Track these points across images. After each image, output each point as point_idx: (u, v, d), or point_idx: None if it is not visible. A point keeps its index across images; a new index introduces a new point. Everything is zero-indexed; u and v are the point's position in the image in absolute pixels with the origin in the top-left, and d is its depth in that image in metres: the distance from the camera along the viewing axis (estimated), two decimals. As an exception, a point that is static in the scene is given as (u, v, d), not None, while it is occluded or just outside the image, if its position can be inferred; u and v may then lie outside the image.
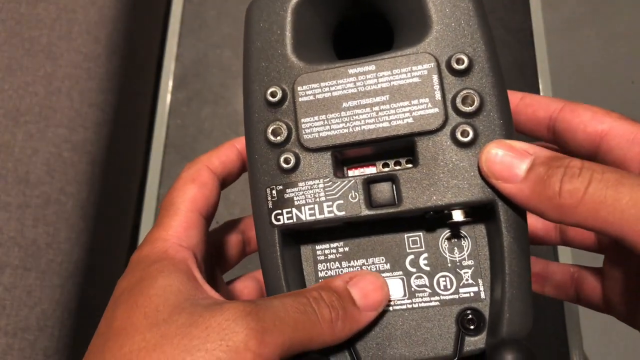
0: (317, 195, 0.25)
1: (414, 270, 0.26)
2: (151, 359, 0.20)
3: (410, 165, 0.26)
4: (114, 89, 0.53)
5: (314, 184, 0.25)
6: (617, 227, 0.20)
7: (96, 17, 0.52)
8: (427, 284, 0.26)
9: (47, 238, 0.45)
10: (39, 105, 0.48)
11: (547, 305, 0.55)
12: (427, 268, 0.26)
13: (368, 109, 0.25)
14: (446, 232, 0.26)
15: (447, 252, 0.26)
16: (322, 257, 0.26)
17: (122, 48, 0.55)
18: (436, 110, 0.24)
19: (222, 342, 0.20)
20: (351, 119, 0.25)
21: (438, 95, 0.24)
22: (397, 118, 0.25)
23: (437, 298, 0.25)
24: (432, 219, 0.26)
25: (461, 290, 0.25)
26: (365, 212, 0.25)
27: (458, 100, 0.24)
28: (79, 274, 0.47)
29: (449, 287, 0.25)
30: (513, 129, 0.25)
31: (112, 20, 0.53)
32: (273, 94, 0.26)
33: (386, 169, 0.26)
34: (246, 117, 0.27)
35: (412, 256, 0.26)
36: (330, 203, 0.25)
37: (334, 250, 0.26)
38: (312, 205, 0.25)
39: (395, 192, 0.25)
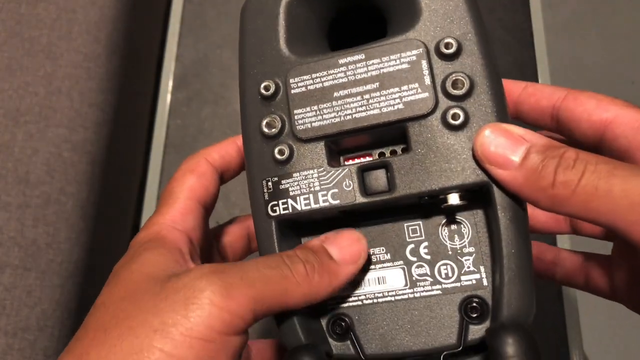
0: (311, 185, 0.25)
1: (414, 259, 0.26)
2: (123, 326, 0.21)
3: (401, 153, 0.26)
4: (114, 89, 0.53)
5: (309, 174, 0.25)
6: (609, 217, 0.20)
7: (96, 17, 0.52)
8: (429, 272, 0.25)
9: (47, 238, 0.45)
10: (39, 105, 0.48)
11: (547, 305, 0.55)
12: (428, 257, 0.26)
13: (359, 97, 0.25)
14: (445, 220, 0.26)
15: (447, 239, 0.26)
16: None
17: (122, 48, 0.55)
18: (426, 95, 0.24)
19: (188, 301, 0.21)
20: (342, 108, 0.25)
21: (427, 80, 0.24)
22: (387, 105, 0.25)
23: (438, 287, 0.25)
24: (428, 205, 0.25)
25: (463, 278, 0.25)
26: (360, 199, 0.25)
27: (448, 83, 0.24)
28: (79, 274, 0.47)
29: (450, 275, 0.25)
30: (506, 111, 0.24)
31: (112, 20, 0.53)
32: (266, 88, 0.26)
33: (381, 157, 0.26)
34: (242, 112, 0.27)
35: (412, 245, 0.26)
36: (324, 192, 0.25)
37: None
38: (307, 195, 0.25)
39: (389, 179, 0.25)
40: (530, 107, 0.27)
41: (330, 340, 0.26)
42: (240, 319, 0.21)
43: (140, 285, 0.22)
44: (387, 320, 0.25)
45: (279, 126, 0.26)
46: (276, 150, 0.26)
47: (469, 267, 0.25)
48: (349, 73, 0.25)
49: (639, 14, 0.65)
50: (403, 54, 0.25)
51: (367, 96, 0.25)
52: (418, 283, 0.25)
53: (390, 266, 0.26)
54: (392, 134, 0.25)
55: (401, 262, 0.26)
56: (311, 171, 0.25)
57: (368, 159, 0.26)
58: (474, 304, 0.24)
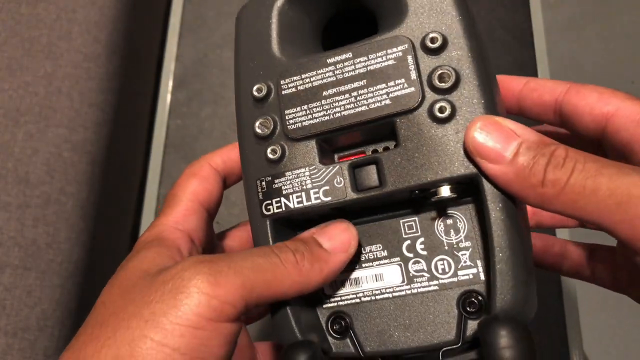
0: (303, 183, 0.26)
1: (411, 255, 0.26)
2: (117, 319, 0.21)
3: (391, 149, 0.26)
4: (114, 89, 0.53)
5: (300, 172, 0.26)
6: (596, 216, 0.20)
7: (96, 17, 0.52)
8: (425, 268, 0.25)
9: (47, 238, 0.45)
10: (39, 105, 0.48)
11: (547, 305, 0.55)
12: (424, 252, 0.26)
13: (347, 95, 0.25)
14: (441, 215, 0.26)
15: (443, 234, 0.26)
16: None
17: (122, 48, 0.55)
18: (412, 89, 0.24)
19: (177, 290, 0.21)
20: (331, 106, 0.25)
21: (413, 75, 0.24)
22: (375, 101, 0.25)
23: (435, 282, 0.25)
24: (419, 200, 0.26)
25: (460, 272, 0.25)
26: (351, 195, 0.25)
27: (434, 77, 0.24)
28: (79, 274, 0.47)
29: (447, 270, 0.25)
30: (495, 104, 0.24)
31: (112, 20, 0.53)
32: (259, 90, 0.27)
33: (373, 154, 0.26)
34: (237, 116, 0.27)
35: (408, 241, 0.26)
36: (316, 190, 0.25)
37: None
38: (299, 193, 0.26)
39: (379, 175, 0.25)
40: (532, 102, 0.27)
41: (329, 338, 0.26)
42: (230, 306, 0.21)
43: (134, 281, 0.23)
44: (385, 317, 0.25)
45: (272, 127, 0.26)
46: (269, 150, 0.26)
47: (465, 262, 0.25)
48: (337, 72, 0.26)
49: (639, 14, 0.65)
50: (389, 51, 0.25)
51: (354, 93, 0.25)
52: (415, 279, 0.26)
53: (387, 263, 0.26)
54: (383, 130, 0.25)
55: (398, 258, 0.26)
56: (303, 169, 0.26)
57: (358, 156, 0.26)
58: (472, 299, 0.24)
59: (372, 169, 0.25)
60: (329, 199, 0.25)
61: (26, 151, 0.46)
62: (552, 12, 0.66)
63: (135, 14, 0.58)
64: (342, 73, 0.26)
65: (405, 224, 0.26)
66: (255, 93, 0.27)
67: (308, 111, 0.26)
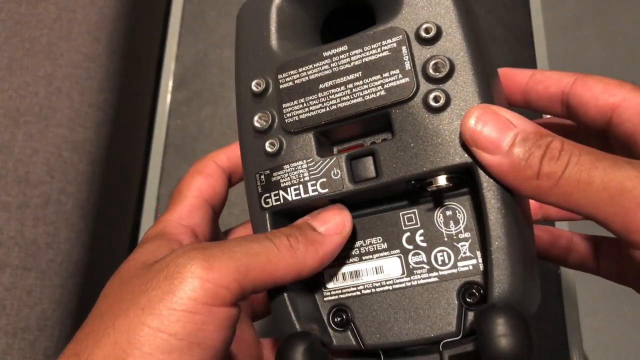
0: (301, 176, 0.26)
1: (410, 247, 0.26)
2: (116, 309, 0.22)
3: (387, 140, 0.26)
4: (114, 89, 0.53)
5: (298, 165, 0.26)
6: (590, 208, 0.20)
7: (96, 17, 0.52)
8: (425, 260, 0.26)
9: (47, 238, 0.45)
10: (39, 105, 0.48)
11: (547, 305, 0.55)
12: (424, 244, 0.26)
13: (342, 87, 0.25)
14: (441, 206, 0.26)
15: (442, 226, 0.26)
16: None
17: (122, 48, 0.55)
18: (406, 79, 0.24)
19: (172, 277, 0.21)
20: (328, 99, 0.26)
21: (408, 65, 0.24)
22: (370, 92, 0.25)
23: (435, 274, 0.25)
24: (416, 190, 0.26)
25: (459, 264, 0.25)
26: (348, 187, 0.25)
27: (428, 67, 0.24)
28: (79, 274, 0.47)
29: (447, 261, 0.25)
30: (491, 92, 0.24)
31: (112, 20, 0.53)
32: (257, 85, 0.27)
33: (369, 146, 0.26)
34: (237, 111, 0.28)
35: (408, 233, 0.26)
36: (314, 182, 0.26)
37: None
38: (297, 186, 0.26)
39: (376, 166, 0.25)
40: (538, 94, 0.27)
41: (330, 331, 0.26)
42: (225, 290, 0.21)
43: (132, 272, 0.23)
44: (385, 309, 0.25)
45: (270, 121, 0.26)
46: (267, 144, 0.26)
47: (465, 253, 0.25)
48: (333, 65, 0.26)
49: (639, 14, 0.65)
50: (384, 42, 0.25)
51: (350, 85, 0.25)
52: (415, 271, 0.26)
53: (387, 255, 0.26)
54: (380, 121, 0.26)
55: (398, 250, 0.26)
56: (300, 162, 0.26)
57: (358, 148, 0.26)
58: (472, 290, 0.24)
59: (369, 160, 0.25)
60: (326, 190, 0.25)
61: (26, 151, 0.46)
62: (552, 12, 0.66)
63: (135, 14, 0.58)
64: (338, 66, 0.26)
65: (405, 216, 0.26)
66: (254, 88, 0.27)
67: (305, 104, 0.26)
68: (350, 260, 0.27)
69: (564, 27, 0.66)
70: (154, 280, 0.21)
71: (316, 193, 0.25)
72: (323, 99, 0.26)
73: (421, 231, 0.26)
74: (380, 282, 0.26)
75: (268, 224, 0.26)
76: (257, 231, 0.26)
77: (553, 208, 0.33)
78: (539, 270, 0.25)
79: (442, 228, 0.26)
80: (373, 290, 0.26)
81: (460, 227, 0.25)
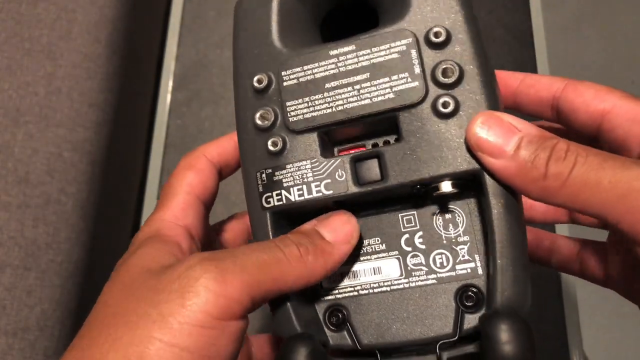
0: (305, 176, 0.25)
1: (409, 249, 0.26)
2: (123, 320, 0.21)
3: (392, 143, 0.26)
4: (114, 89, 0.53)
5: (302, 165, 0.25)
6: (598, 208, 0.20)
7: (96, 17, 0.52)
8: (423, 262, 0.26)
9: (47, 238, 0.45)
10: (39, 105, 0.48)
11: (547, 305, 0.55)
12: (423, 246, 0.26)
13: (350, 88, 0.25)
14: (440, 209, 0.26)
15: (442, 229, 0.26)
16: None
17: (122, 48, 0.55)
18: (416, 83, 0.24)
19: (184, 290, 0.21)
20: (334, 99, 0.25)
21: (417, 69, 0.24)
22: (378, 94, 0.25)
23: (433, 276, 0.25)
24: (421, 194, 0.26)
25: (458, 267, 0.25)
26: (352, 189, 0.25)
27: (437, 72, 0.24)
28: (79, 274, 0.47)
29: (445, 264, 0.25)
30: (497, 99, 0.24)
31: (112, 20, 0.53)
32: (259, 81, 0.26)
33: (375, 148, 0.26)
34: (236, 106, 0.27)
35: (407, 235, 0.26)
36: (318, 183, 0.25)
37: None
38: (300, 186, 0.25)
39: (381, 169, 0.25)
40: (529, 98, 0.27)
41: (326, 331, 0.26)
42: (237, 303, 0.21)
43: (136, 279, 0.22)
44: (383, 310, 0.25)
45: (272, 118, 0.26)
46: (269, 142, 0.26)
47: (463, 256, 0.25)
48: (339, 64, 0.25)
49: (639, 14, 0.65)
50: (393, 44, 0.25)
51: (357, 86, 0.25)
52: (413, 273, 0.26)
53: (386, 256, 0.26)
54: (385, 124, 0.25)
55: (396, 252, 0.26)
56: (304, 162, 0.25)
57: (361, 150, 0.26)
58: (469, 293, 0.24)
59: (374, 162, 0.25)
60: (330, 192, 0.25)
61: (26, 151, 0.46)
62: (552, 12, 0.66)
63: (135, 14, 0.58)
64: (345, 65, 0.25)
65: (404, 218, 0.26)
66: (255, 84, 0.26)
67: (310, 103, 0.26)
68: (349, 260, 0.26)
69: (564, 27, 0.66)
70: (165, 292, 0.21)
71: (320, 194, 0.25)
72: (329, 99, 0.25)
73: (420, 233, 0.26)
74: (378, 283, 0.26)
75: (269, 223, 0.26)
76: (256, 230, 0.26)
77: (538, 211, 0.33)
78: (535, 273, 0.25)
79: (441, 231, 0.26)
80: (371, 290, 0.26)
81: (459, 230, 0.25)
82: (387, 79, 0.25)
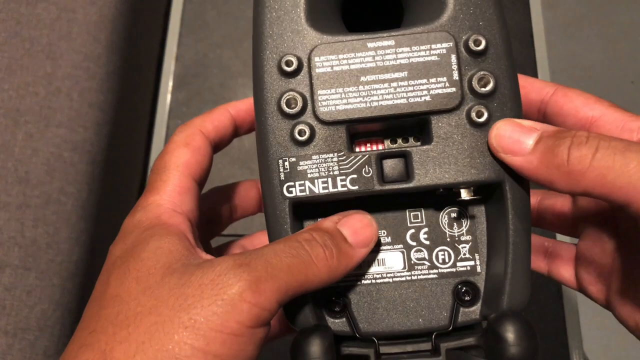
0: (330, 169, 0.25)
1: (414, 244, 0.27)
2: (149, 322, 0.21)
3: (419, 143, 0.26)
4: (114, 89, 0.53)
5: (328, 157, 0.25)
6: (625, 191, 0.20)
7: (96, 17, 0.52)
8: (427, 257, 0.27)
9: (47, 238, 0.45)
10: (39, 105, 0.48)
11: (547, 305, 0.55)
12: (427, 242, 0.27)
13: (386, 85, 0.25)
14: (447, 208, 0.27)
15: (446, 227, 0.27)
16: None
17: (122, 48, 0.55)
18: (453, 89, 0.24)
19: (217, 297, 0.21)
20: (369, 94, 0.25)
21: (456, 75, 0.25)
22: (414, 95, 0.25)
23: (435, 271, 0.26)
24: (438, 196, 0.26)
25: (458, 264, 0.26)
26: (377, 187, 0.25)
27: (474, 81, 0.24)
28: (79, 274, 0.47)
29: (447, 260, 0.26)
30: (522, 112, 0.25)
31: (112, 20, 0.53)
32: (288, 63, 0.25)
33: (394, 145, 0.26)
34: (257, 85, 0.26)
35: (412, 230, 0.27)
36: (343, 177, 0.25)
37: None
38: (325, 179, 0.25)
39: (407, 168, 0.25)
40: None
41: (327, 317, 0.26)
42: (268, 312, 0.21)
43: (157, 277, 0.22)
44: (383, 300, 0.26)
45: (300, 105, 0.25)
46: (296, 130, 0.25)
47: (464, 255, 0.26)
48: (377, 58, 0.25)
49: (638, 14, 0.65)
50: (433, 46, 0.25)
51: (394, 84, 0.25)
52: (416, 266, 0.27)
53: (391, 249, 0.27)
54: (411, 123, 0.26)
55: (401, 245, 0.27)
56: (331, 155, 0.25)
57: (380, 145, 0.26)
58: (467, 289, 0.26)
59: (399, 161, 0.26)
60: (356, 187, 0.25)
61: (26, 151, 0.46)
62: (552, 12, 0.66)
63: (135, 14, 0.58)
64: (383, 61, 0.25)
65: (411, 214, 0.27)
66: (284, 66, 0.25)
67: (343, 95, 0.25)
68: None
69: (564, 27, 0.66)
70: (196, 297, 0.21)
71: (345, 189, 0.25)
72: (364, 93, 0.25)
73: (425, 229, 0.27)
74: (381, 274, 0.27)
75: (288, 213, 0.25)
76: (274, 218, 0.26)
77: None
78: (535, 276, 0.27)
79: (445, 229, 0.27)
80: (373, 281, 0.27)
81: (462, 229, 0.27)
82: (425, 81, 0.25)
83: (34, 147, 0.47)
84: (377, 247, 0.27)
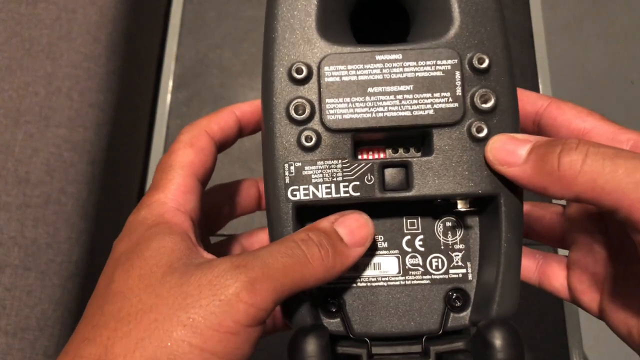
0: (334, 175, 0.26)
1: (409, 250, 0.28)
2: (149, 319, 0.21)
3: (419, 154, 0.27)
4: (114, 89, 0.53)
5: (332, 164, 0.26)
6: (613, 196, 0.21)
7: (96, 17, 0.52)
8: (421, 263, 0.28)
9: (47, 238, 0.45)
10: (39, 105, 0.48)
11: (547, 305, 0.55)
12: (422, 249, 0.28)
13: (392, 97, 0.26)
14: (442, 218, 0.28)
15: (441, 235, 0.28)
16: None
17: (122, 48, 0.55)
18: (456, 105, 0.25)
19: (215, 297, 0.21)
20: (375, 105, 0.26)
21: (459, 91, 0.26)
22: (418, 108, 0.26)
23: (428, 277, 0.28)
24: (435, 205, 0.27)
25: (451, 271, 0.27)
26: (379, 194, 0.26)
27: (476, 97, 0.25)
28: (79, 274, 0.47)
29: (440, 267, 0.28)
30: (520, 129, 0.26)
31: (112, 20, 0.53)
32: (298, 71, 0.26)
33: (396, 155, 0.27)
34: (266, 90, 0.27)
35: (408, 237, 0.28)
36: (346, 183, 0.26)
37: None
38: (329, 184, 0.26)
39: (407, 178, 0.26)
40: None
41: (323, 317, 0.27)
42: (264, 311, 0.22)
43: (158, 276, 0.23)
44: (377, 303, 0.27)
45: (308, 112, 0.26)
46: (303, 136, 0.26)
47: (457, 262, 0.28)
48: (384, 71, 0.26)
49: (638, 15, 0.65)
50: (439, 62, 0.26)
51: (400, 97, 0.26)
52: (410, 272, 0.28)
53: (387, 254, 0.28)
54: (413, 135, 0.27)
55: (397, 251, 0.28)
56: (335, 161, 0.26)
57: (382, 154, 0.27)
58: (457, 295, 0.27)
59: (400, 171, 0.27)
60: (358, 194, 0.26)
61: (26, 151, 0.46)
62: (552, 12, 0.66)
63: (135, 14, 0.58)
64: (390, 73, 0.26)
65: (408, 221, 0.28)
66: (294, 73, 0.26)
67: (350, 104, 0.26)
68: None
69: (564, 27, 0.66)
70: (194, 297, 0.21)
71: (347, 195, 0.26)
72: (370, 104, 0.26)
73: (421, 237, 0.28)
74: (376, 277, 0.28)
75: (291, 216, 0.26)
76: (276, 220, 0.26)
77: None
78: None
79: (440, 237, 0.28)
80: (369, 284, 0.28)
81: (456, 238, 0.28)
82: (429, 95, 0.26)
83: (34, 147, 0.47)
84: (373, 252, 0.28)
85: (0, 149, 0.46)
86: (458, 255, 0.28)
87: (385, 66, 0.26)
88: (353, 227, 0.26)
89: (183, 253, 0.23)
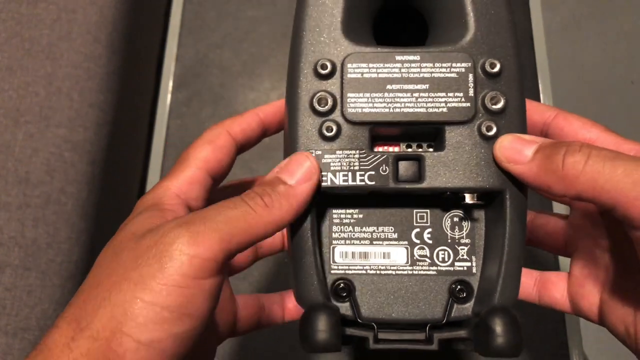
0: (352, 164, 0.28)
1: (418, 241, 0.30)
2: (110, 282, 0.23)
3: (431, 149, 0.29)
4: (114, 89, 0.53)
5: (350, 153, 0.28)
6: (612, 194, 0.23)
7: (96, 17, 0.52)
8: (428, 255, 0.29)
9: (47, 238, 0.45)
10: (39, 105, 0.48)
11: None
12: (430, 241, 0.30)
13: (409, 94, 0.28)
14: (451, 211, 0.30)
15: (448, 229, 0.30)
16: (337, 220, 0.30)
17: (122, 48, 0.55)
18: (468, 104, 0.28)
19: (160, 255, 0.23)
20: (393, 101, 0.28)
21: (471, 92, 0.28)
22: (433, 106, 0.28)
23: (435, 268, 0.29)
24: (444, 199, 0.29)
25: (456, 263, 0.29)
26: (392, 184, 0.28)
27: (487, 99, 0.27)
28: (79, 274, 0.47)
29: (446, 259, 0.29)
30: (527, 130, 0.28)
31: (112, 20, 0.53)
32: (323, 66, 0.28)
33: (409, 150, 0.29)
34: (292, 83, 0.29)
35: (417, 229, 0.30)
36: (362, 172, 0.28)
37: (349, 216, 0.30)
38: (346, 172, 0.28)
39: (420, 170, 0.28)
40: None
41: (333, 300, 0.29)
42: (212, 262, 0.23)
43: (123, 242, 0.25)
44: (385, 290, 0.29)
45: (330, 104, 0.28)
46: (324, 127, 0.28)
47: (462, 256, 0.29)
48: (403, 70, 0.28)
49: (638, 15, 0.65)
50: (454, 64, 0.28)
51: (416, 94, 0.28)
52: (418, 262, 0.29)
53: (396, 244, 0.30)
54: (427, 131, 0.29)
55: (406, 242, 0.30)
56: (353, 151, 0.28)
57: (396, 148, 0.29)
58: (461, 287, 0.29)
59: (413, 164, 0.28)
60: (372, 183, 0.28)
61: (26, 151, 0.46)
62: (552, 12, 0.66)
63: (135, 14, 0.58)
64: (408, 73, 0.28)
65: (418, 214, 0.30)
66: (319, 68, 0.28)
67: (370, 99, 0.28)
68: (362, 242, 0.30)
69: (564, 27, 0.66)
70: (144, 257, 0.23)
71: (362, 183, 0.28)
72: (388, 100, 0.28)
73: (429, 230, 0.30)
74: (385, 265, 0.29)
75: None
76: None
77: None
78: None
79: (448, 231, 0.29)
80: (377, 271, 0.29)
81: (463, 233, 0.29)
82: (443, 94, 0.28)
83: (34, 147, 0.47)
84: (384, 242, 0.30)
85: (0, 149, 0.46)
86: (464, 249, 0.29)
87: (404, 66, 0.28)
88: (293, 169, 0.27)
89: (152, 224, 0.25)
